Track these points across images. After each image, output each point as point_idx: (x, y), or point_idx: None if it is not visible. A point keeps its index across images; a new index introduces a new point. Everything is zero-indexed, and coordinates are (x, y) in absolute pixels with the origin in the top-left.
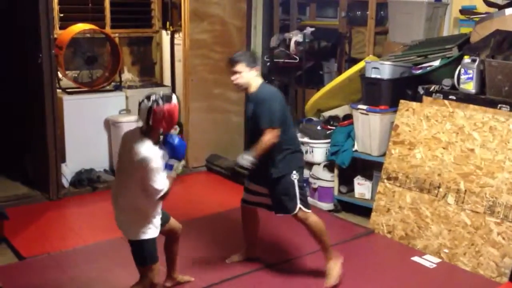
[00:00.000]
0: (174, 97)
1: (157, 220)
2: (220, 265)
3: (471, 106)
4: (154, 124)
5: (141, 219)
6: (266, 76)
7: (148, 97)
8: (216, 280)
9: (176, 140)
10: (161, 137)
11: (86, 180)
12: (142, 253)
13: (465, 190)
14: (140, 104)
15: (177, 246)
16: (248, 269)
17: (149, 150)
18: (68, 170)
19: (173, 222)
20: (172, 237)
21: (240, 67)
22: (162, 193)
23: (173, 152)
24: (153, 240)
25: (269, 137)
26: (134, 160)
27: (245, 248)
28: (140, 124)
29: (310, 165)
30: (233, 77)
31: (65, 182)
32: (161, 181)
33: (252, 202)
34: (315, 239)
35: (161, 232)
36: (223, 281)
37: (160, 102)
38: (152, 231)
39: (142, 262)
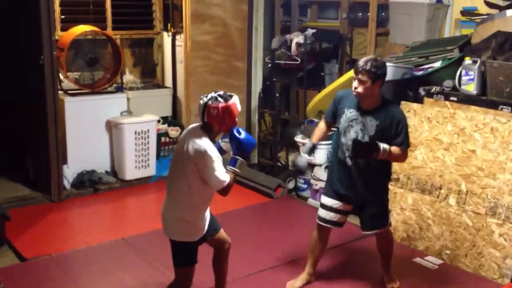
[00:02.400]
0: (234, 97)
1: (201, 225)
2: None
3: (472, 107)
4: (208, 121)
5: (188, 219)
6: (268, 77)
7: (207, 95)
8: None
9: (242, 135)
10: (221, 134)
11: (87, 182)
12: (182, 254)
13: (467, 191)
14: (200, 100)
15: (226, 263)
16: (254, 269)
17: (203, 143)
18: (70, 172)
19: (222, 233)
20: (219, 250)
21: (364, 76)
22: (224, 185)
23: (238, 148)
24: (194, 244)
25: (406, 156)
26: (190, 152)
27: (309, 271)
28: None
29: (311, 166)
30: (355, 85)
31: (67, 183)
32: (222, 172)
33: (334, 222)
34: (389, 253)
35: (208, 242)
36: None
37: (218, 99)
38: (194, 234)
39: (179, 263)
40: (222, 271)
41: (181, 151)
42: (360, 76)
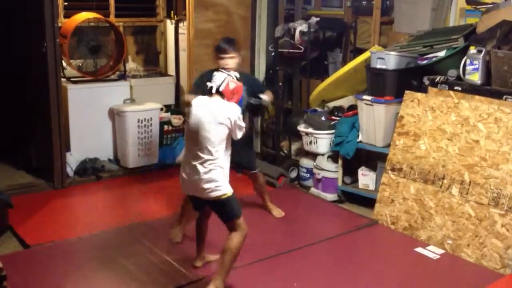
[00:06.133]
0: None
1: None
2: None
3: (477, 97)
4: (224, 92)
5: (224, 174)
6: (271, 66)
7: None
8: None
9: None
10: None
11: (90, 169)
12: (234, 205)
13: (470, 182)
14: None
15: (208, 221)
16: (255, 258)
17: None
18: (73, 159)
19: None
20: (207, 212)
21: (233, 53)
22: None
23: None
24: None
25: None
26: (223, 115)
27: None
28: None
29: (314, 155)
30: (228, 62)
31: (70, 171)
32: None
33: None
34: (265, 190)
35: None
36: None
37: (234, 77)
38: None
39: (234, 214)
40: (205, 230)
41: (211, 117)
42: (231, 54)
